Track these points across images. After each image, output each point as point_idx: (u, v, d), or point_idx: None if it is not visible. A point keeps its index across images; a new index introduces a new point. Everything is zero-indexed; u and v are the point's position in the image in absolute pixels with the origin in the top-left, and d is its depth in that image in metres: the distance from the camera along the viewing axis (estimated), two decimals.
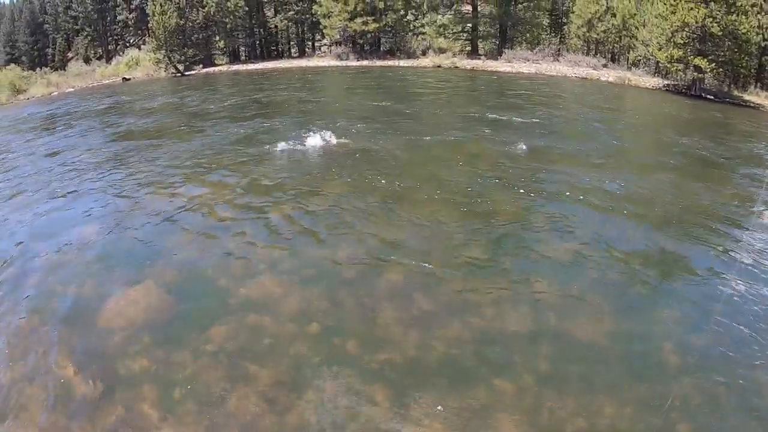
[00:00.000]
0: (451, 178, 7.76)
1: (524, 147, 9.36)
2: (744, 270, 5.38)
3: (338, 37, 29.29)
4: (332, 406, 3.66)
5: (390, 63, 26.63)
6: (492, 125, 11.59)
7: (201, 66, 29.46)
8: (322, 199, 7.00)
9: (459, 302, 4.77)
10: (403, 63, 26.39)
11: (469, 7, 28.43)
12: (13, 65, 33.57)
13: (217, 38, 32.03)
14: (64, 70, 36.58)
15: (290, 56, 34.18)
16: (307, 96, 17.68)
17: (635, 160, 9.69)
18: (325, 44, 33.17)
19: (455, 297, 4.84)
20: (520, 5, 27.19)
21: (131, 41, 40.99)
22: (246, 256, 5.62)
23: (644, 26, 22.18)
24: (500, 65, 24.78)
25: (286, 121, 12.50)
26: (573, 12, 27.58)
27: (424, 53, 27.68)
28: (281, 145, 9.44)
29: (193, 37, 29.86)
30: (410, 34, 29.61)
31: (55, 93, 26.58)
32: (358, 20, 27.31)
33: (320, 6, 29.05)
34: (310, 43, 35.53)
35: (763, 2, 19.32)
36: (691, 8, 17.83)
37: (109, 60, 37.80)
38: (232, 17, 31.09)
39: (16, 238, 6.51)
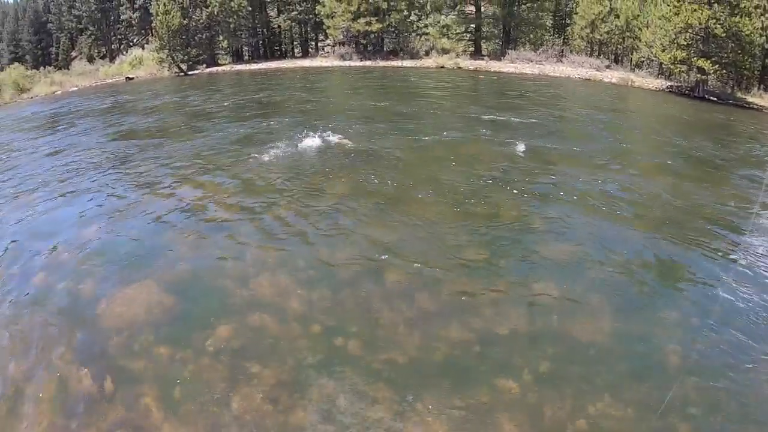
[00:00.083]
0: (452, 178, 7.75)
1: (523, 148, 9.35)
2: (743, 271, 5.38)
3: (341, 37, 29.34)
4: (334, 406, 3.67)
5: (393, 63, 26.63)
6: (493, 125, 11.58)
7: (204, 66, 29.56)
8: (323, 199, 7.00)
9: (460, 303, 4.78)
10: (406, 63, 26.39)
11: (472, 8, 28.42)
12: (16, 64, 33.79)
13: (221, 38, 32.14)
14: (68, 69, 36.82)
15: (293, 56, 34.22)
16: (309, 96, 17.68)
17: (636, 162, 9.66)
18: (328, 44, 33.19)
19: (456, 297, 4.84)
20: (523, 6, 27.18)
21: (135, 40, 41.19)
22: (246, 256, 5.62)
23: (648, 27, 22.12)
24: (503, 66, 24.78)
25: (286, 121, 12.50)
26: (576, 13, 27.54)
27: (427, 54, 27.67)
28: (282, 145, 9.45)
29: (196, 37, 29.96)
30: (413, 34, 29.62)
31: (59, 92, 26.68)
32: (362, 20, 27.35)
33: (323, 6, 29.10)
34: (313, 43, 35.58)
35: (766, 4, 19.27)
36: (695, 10, 17.80)
37: (112, 59, 37.99)
38: (235, 17, 31.18)
39: (17, 237, 6.53)
